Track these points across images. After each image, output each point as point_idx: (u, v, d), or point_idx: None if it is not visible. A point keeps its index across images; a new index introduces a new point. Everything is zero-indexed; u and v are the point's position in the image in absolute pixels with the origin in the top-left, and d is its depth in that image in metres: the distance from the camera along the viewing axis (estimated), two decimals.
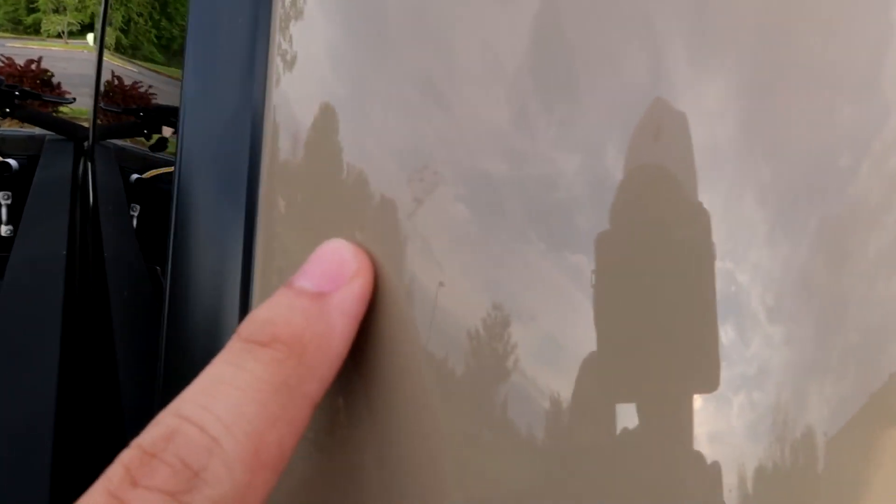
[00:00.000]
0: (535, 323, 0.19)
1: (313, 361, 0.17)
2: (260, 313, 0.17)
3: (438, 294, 0.20)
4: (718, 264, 0.17)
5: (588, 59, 0.18)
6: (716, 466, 0.16)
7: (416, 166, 0.20)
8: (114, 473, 0.15)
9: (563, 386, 0.18)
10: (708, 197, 0.17)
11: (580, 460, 0.18)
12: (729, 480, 0.16)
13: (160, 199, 1.33)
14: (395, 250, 0.20)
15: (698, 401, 0.17)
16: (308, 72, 0.21)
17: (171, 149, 1.48)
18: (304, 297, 0.17)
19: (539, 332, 0.19)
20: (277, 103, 0.21)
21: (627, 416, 0.18)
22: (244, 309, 0.21)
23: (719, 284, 0.17)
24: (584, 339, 0.18)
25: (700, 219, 0.17)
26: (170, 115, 1.42)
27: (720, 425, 0.16)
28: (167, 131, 1.36)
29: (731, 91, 0.17)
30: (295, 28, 0.22)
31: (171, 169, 1.40)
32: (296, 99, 0.21)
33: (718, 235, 0.17)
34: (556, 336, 0.19)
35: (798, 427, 0.16)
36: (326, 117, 0.21)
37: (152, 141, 1.32)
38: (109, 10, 1.30)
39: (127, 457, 0.15)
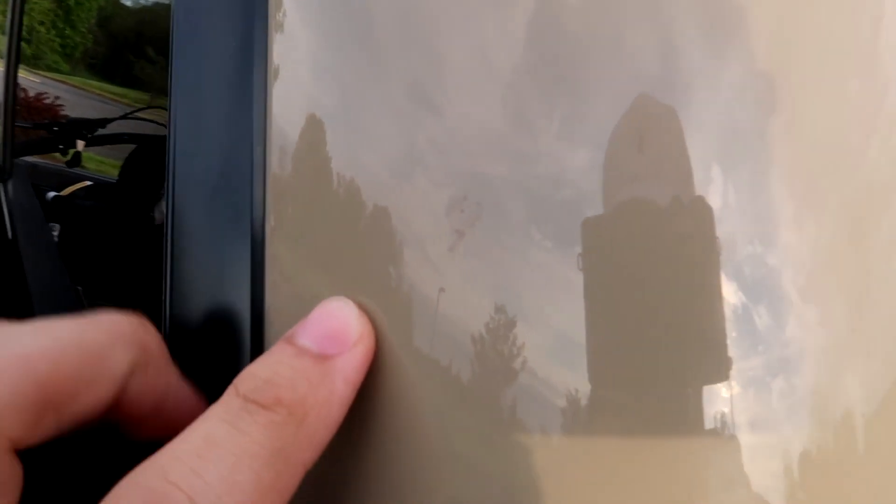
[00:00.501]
0: (542, 322, 0.18)
1: (312, 429, 0.16)
2: (260, 370, 0.16)
3: (440, 300, 0.19)
4: (748, 248, 0.16)
5: (592, 50, 0.18)
6: (760, 453, 0.16)
7: (407, 172, 0.19)
8: None
9: (574, 383, 0.18)
10: (732, 180, 0.16)
11: (600, 456, 0.18)
12: (774, 467, 0.16)
13: (80, 216, 1.27)
14: (392, 257, 0.19)
15: (734, 387, 0.16)
16: (302, 85, 0.20)
17: (84, 162, 1.41)
18: (308, 359, 0.16)
19: (547, 331, 0.18)
20: (274, 120, 0.20)
21: (644, 409, 0.17)
22: (256, 346, 0.19)
23: (750, 269, 0.16)
24: (592, 335, 0.18)
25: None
26: (83, 127, 1.36)
27: (761, 411, 0.16)
28: (80, 145, 1.29)
29: (747, 73, 0.17)
30: (284, 43, 0.20)
31: (86, 183, 1.34)
32: (292, 114, 0.20)
33: (745, 218, 0.16)
34: (565, 334, 0.18)
35: (838, 408, 0.16)
36: (322, 131, 0.20)
37: (68, 156, 1.26)
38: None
39: None
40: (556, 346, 0.18)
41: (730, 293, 0.16)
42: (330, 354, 0.17)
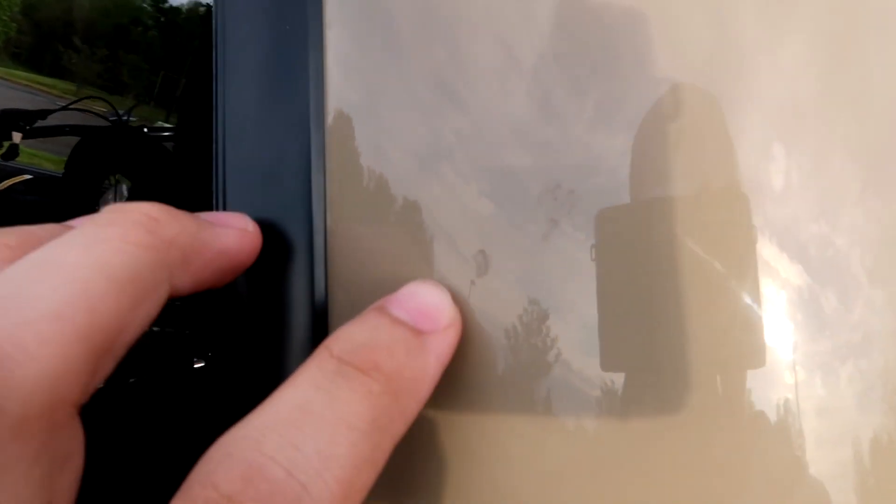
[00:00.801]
0: (575, 314, 0.17)
1: (406, 402, 0.15)
2: (356, 334, 0.15)
3: (471, 292, 0.18)
4: (813, 228, 0.16)
5: (628, 33, 0.17)
6: (827, 440, 0.15)
7: (435, 165, 0.18)
8: None
9: (608, 375, 0.17)
10: (795, 158, 0.16)
11: (639, 448, 0.17)
12: (843, 454, 0.15)
13: (20, 212, 1.20)
14: (422, 250, 0.18)
15: (800, 373, 0.16)
16: (357, 71, 0.19)
17: (23, 157, 1.34)
18: (404, 330, 0.16)
19: (580, 322, 0.18)
20: (330, 105, 0.19)
21: (698, 398, 0.16)
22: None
23: (815, 250, 0.16)
24: (626, 325, 0.17)
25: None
26: (19, 119, 1.29)
27: (829, 398, 0.16)
28: (17, 137, 1.22)
29: (807, 47, 0.16)
30: (337, 29, 0.19)
31: (25, 177, 1.27)
32: (347, 100, 0.19)
33: (809, 198, 0.16)
34: (598, 324, 0.17)
35: None
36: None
37: (2, 149, 1.19)
38: None
39: (201, 498, 0.12)
40: (590, 337, 0.17)
41: (794, 275, 0.16)
42: (425, 330, 0.16)
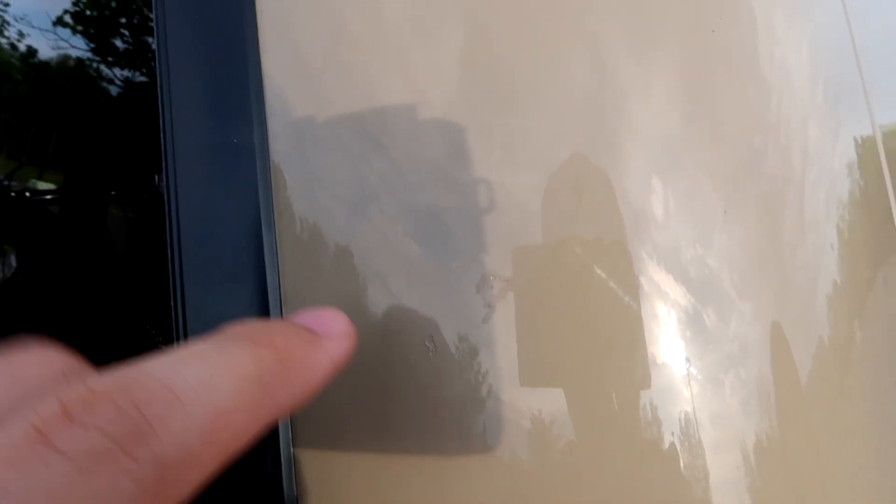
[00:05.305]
0: (499, 347, 0.18)
1: (294, 377, 0.16)
2: (255, 323, 0.16)
3: (400, 330, 0.19)
4: (690, 252, 0.17)
5: (527, 74, 0.18)
6: (721, 448, 0.17)
7: (362, 207, 0.19)
8: (44, 406, 0.12)
9: (540, 404, 0.18)
10: (671, 186, 0.17)
11: (560, 472, 0.18)
12: (734, 458, 0.17)
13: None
14: (355, 289, 0.19)
15: (694, 387, 0.17)
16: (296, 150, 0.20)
17: None
18: (299, 327, 0.17)
19: (503, 355, 0.18)
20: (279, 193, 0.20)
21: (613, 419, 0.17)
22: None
23: (694, 271, 0.17)
24: (542, 357, 0.18)
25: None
26: None
27: (718, 407, 0.17)
28: None
29: (673, 83, 0.18)
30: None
31: None
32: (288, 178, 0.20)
33: (685, 223, 0.17)
34: (517, 357, 0.18)
35: (778, 398, 0.17)
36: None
37: None
38: None
39: (66, 392, 0.12)
40: (514, 370, 0.18)
41: (679, 295, 0.17)
42: (320, 332, 0.17)
